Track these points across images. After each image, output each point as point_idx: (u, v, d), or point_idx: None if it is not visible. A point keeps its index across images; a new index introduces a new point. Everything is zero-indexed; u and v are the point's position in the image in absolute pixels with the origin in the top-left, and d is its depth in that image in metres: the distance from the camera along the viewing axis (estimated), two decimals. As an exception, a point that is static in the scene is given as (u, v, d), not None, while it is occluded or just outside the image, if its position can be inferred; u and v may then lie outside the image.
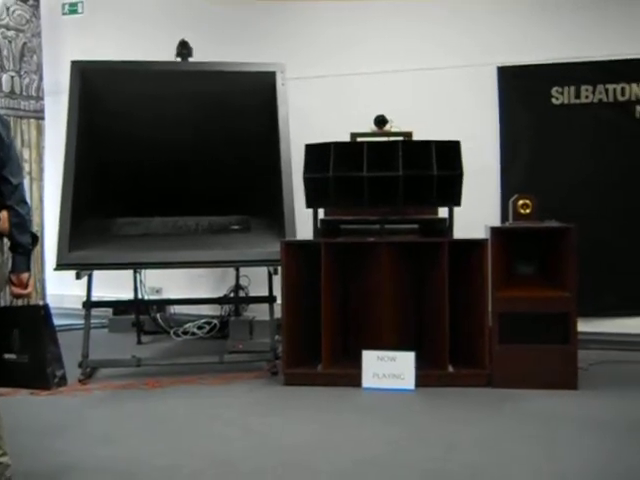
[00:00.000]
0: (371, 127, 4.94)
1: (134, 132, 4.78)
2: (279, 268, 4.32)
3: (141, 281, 5.47)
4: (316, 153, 4.32)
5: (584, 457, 3.02)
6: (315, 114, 5.54)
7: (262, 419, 3.63)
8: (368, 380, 4.09)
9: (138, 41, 5.87)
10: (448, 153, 4.23)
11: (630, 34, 5.10)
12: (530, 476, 2.83)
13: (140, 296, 5.46)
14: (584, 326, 4.53)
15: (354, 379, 4.11)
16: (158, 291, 5.99)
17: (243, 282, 5.63)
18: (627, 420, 3.51)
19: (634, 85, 5.11)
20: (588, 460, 2.99)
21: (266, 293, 4.73)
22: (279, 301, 4.40)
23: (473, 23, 5.44)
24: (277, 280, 4.40)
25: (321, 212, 4.58)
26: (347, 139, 4.79)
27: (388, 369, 4.07)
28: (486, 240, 4.16)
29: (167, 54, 5.13)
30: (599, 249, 5.09)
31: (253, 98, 4.92)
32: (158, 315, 5.83)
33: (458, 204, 4.27)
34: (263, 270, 4.79)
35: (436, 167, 4.18)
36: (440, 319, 4.15)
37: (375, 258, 4.27)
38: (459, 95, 5.46)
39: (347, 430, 3.44)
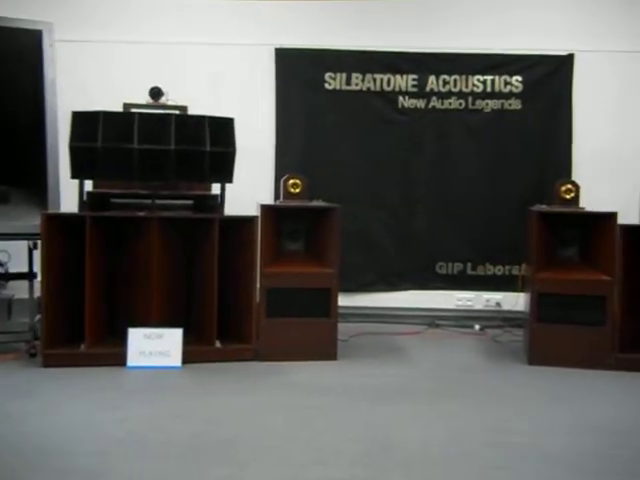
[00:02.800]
0: (147, 99, 4.79)
1: None
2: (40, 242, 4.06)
3: None
4: (84, 121, 4.11)
5: (337, 422, 3.21)
6: (89, 81, 5.26)
7: (16, 403, 3.39)
8: (134, 358, 3.99)
9: None
10: (222, 130, 4.25)
11: (400, 27, 5.47)
12: (283, 443, 2.94)
13: None
14: (346, 301, 4.83)
15: (119, 358, 3.99)
16: None
17: (2, 257, 5.20)
18: (379, 386, 3.80)
19: (398, 77, 5.50)
20: (340, 424, 3.18)
21: (27, 269, 4.42)
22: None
23: (255, 3, 5.47)
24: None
25: (90, 185, 4.38)
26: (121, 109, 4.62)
27: (155, 347, 4.00)
28: (256, 217, 4.24)
29: None
30: (362, 230, 5.45)
31: (15, 58, 4.52)
32: None
33: (230, 181, 4.30)
34: (25, 245, 4.46)
35: (209, 143, 4.18)
36: (209, 295, 4.17)
37: (145, 234, 4.15)
38: (238, 73, 5.48)
39: (109, 410, 3.32)
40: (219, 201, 4.37)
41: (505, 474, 2.66)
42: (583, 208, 4.44)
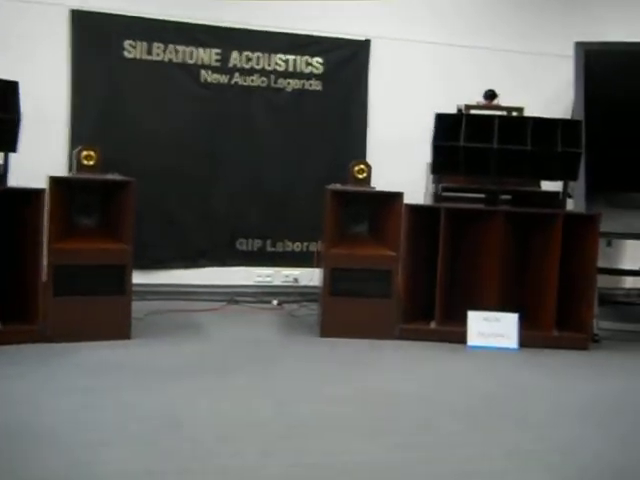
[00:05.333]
0: None
1: None
2: None
3: None
4: None
5: (125, 403, 3.11)
6: None
7: None
8: None
9: None
10: (4, 94, 3.93)
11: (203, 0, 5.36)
12: (65, 427, 2.80)
13: None
14: (142, 278, 4.72)
15: None
16: None
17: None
18: (171, 364, 3.76)
19: (201, 50, 5.41)
20: (129, 405, 3.09)
21: None
22: None
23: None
24: None
25: None
26: None
27: None
28: (43, 190, 3.98)
29: None
30: (161, 205, 5.33)
31: None
32: None
33: (14, 150, 3.97)
34: None
35: (-12, 109, 3.85)
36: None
37: None
38: (29, 33, 5.07)
39: None
40: (2, 172, 4.03)
41: (291, 444, 2.75)
42: (374, 187, 4.68)
